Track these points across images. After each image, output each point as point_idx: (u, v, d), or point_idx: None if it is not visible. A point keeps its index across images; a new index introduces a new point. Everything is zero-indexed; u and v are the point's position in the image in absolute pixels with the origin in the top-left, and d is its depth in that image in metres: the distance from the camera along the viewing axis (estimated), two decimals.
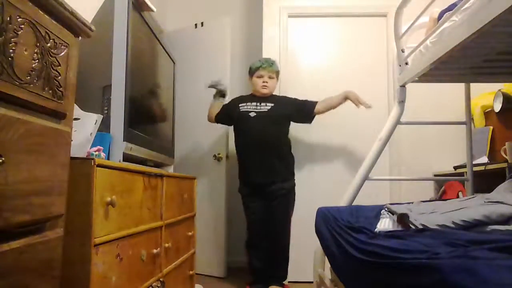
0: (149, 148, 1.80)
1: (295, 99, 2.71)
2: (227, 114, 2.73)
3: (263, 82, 2.65)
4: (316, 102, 2.65)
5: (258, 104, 2.64)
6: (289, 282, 2.84)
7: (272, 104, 2.63)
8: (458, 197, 2.43)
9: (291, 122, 2.72)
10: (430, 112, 2.80)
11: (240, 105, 2.69)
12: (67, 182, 0.91)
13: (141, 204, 1.41)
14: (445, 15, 1.54)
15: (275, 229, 2.58)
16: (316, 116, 2.69)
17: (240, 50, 3.53)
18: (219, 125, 2.99)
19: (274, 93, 2.75)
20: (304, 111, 2.66)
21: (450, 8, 1.59)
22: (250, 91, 3.39)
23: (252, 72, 2.72)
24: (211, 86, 2.74)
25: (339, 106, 2.64)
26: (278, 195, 2.55)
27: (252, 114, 2.61)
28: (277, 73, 2.72)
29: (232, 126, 2.78)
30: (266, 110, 2.62)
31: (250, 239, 2.67)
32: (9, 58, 0.69)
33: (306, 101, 2.68)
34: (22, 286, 0.74)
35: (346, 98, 2.61)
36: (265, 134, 2.57)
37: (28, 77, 0.75)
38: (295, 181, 2.68)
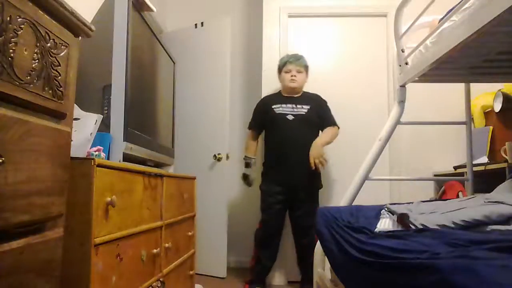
0: (149, 148, 1.80)
1: (326, 107, 2.72)
2: (262, 123, 2.75)
3: (291, 76, 2.65)
4: (331, 125, 2.67)
5: (294, 106, 2.64)
6: (288, 282, 2.85)
7: (309, 107, 2.64)
8: (458, 197, 2.43)
9: None
10: (430, 112, 2.80)
11: (273, 106, 2.68)
12: (67, 182, 0.91)
13: (141, 204, 1.41)
14: (445, 16, 1.54)
15: (306, 233, 2.57)
16: None
17: (240, 50, 3.53)
18: (219, 125, 3.00)
19: (305, 90, 2.77)
20: (321, 123, 2.69)
21: None
22: (249, 91, 3.42)
23: (280, 68, 2.74)
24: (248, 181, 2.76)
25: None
26: (304, 199, 2.58)
27: (290, 117, 2.61)
28: (306, 67, 2.73)
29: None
30: (304, 113, 2.62)
31: (264, 238, 2.64)
32: (9, 58, 0.69)
33: (328, 118, 2.69)
34: (22, 286, 0.74)
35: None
36: (303, 139, 2.58)
37: (28, 77, 0.75)
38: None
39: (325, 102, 2.74)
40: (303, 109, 2.63)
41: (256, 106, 2.84)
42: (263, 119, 2.73)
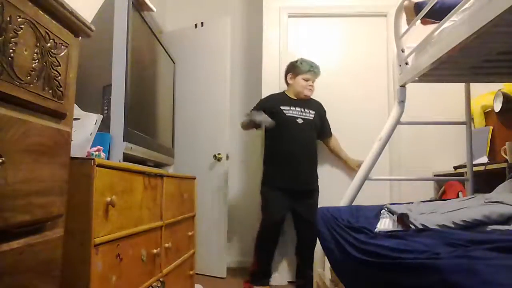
0: (149, 148, 1.80)
1: (326, 117, 2.86)
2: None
3: (309, 86, 2.72)
4: (331, 134, 2.86)
5: (302, 110, 2.70)
6: (288, 282, 2.85)
7: (314, 112, 2.74)
8: (458, 197, 2.43)
9: None
10: (430, 112, 2.80)
11: (282, 107, 2.67)
12: (67, 182, 0.91)
13: (141, 204, 1.41)
14: (446, 16, 1.54)
15: (308, 226, 2.52)
16: None
17: (240, 50, 3.53)
18: (219, 125, 2.99)
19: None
20: (322, 132, 2.83)
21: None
22: (249, 91, 3.41)
23: (297, 72, 2.73)
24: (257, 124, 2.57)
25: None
26: (307, 197, 2.63)
27: (300, 121, 2.67)
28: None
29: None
30: (311, 118, 2.71)
31: (267, 239, 2.63)
32: (9, 58, 0.69)
33: (328, 127, 2.86)
34: (22, 286, 0.74)
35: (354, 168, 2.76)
36: (311, 143, 2.70)
37: (28, 77, 0.75)
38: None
39: (325, 111, 2.86)
40: (310, 114, 2.72)
41: (263, 100, 2.82)
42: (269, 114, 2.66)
